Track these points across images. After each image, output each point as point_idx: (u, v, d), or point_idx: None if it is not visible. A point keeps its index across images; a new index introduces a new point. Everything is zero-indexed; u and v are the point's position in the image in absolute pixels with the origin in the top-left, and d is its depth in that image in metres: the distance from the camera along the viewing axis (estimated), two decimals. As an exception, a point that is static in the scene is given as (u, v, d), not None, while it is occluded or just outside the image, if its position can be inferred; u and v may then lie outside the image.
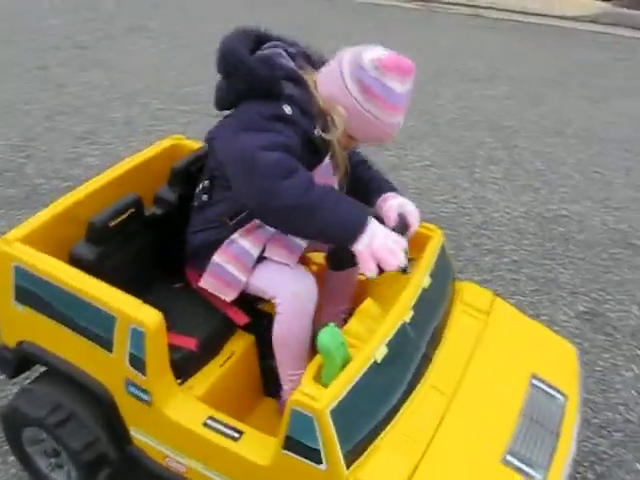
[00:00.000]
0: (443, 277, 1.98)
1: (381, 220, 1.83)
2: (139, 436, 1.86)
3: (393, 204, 1.92)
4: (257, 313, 2.04)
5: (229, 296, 1.90)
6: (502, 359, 1.90)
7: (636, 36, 6.40)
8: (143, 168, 2.17)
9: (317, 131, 1.79)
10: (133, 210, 1.94)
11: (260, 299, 2.01)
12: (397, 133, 1.85)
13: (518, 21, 6.50)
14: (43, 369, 2.05)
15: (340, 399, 1.54)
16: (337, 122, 1.79)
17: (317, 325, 1.81)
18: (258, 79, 1.73)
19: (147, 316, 1.67)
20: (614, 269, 3.30)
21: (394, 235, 1.70)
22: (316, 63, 1.89)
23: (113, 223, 1.87)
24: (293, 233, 1.82)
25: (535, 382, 1.87)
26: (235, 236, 1.87)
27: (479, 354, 1.88)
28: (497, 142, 4.34)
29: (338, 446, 1.53)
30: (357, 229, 1.66)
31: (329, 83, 1.79)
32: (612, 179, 4.06)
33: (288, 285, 1.83)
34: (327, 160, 1.88)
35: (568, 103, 4.97)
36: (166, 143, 2.27)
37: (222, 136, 1.83)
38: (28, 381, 2.14)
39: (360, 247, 1.66)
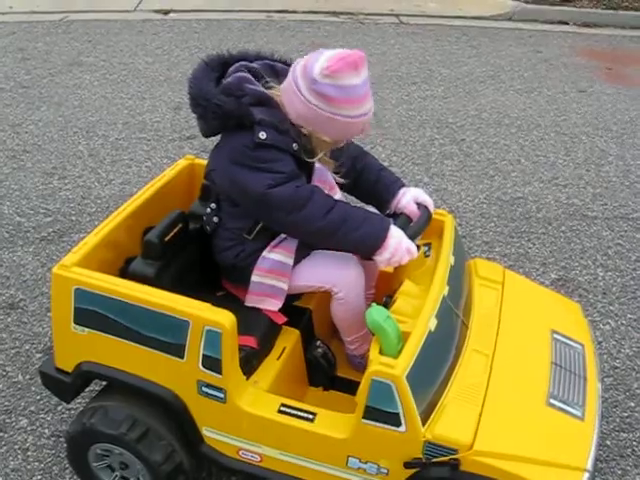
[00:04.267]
0: (460, 255, 2.20)
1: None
2: (211, 434, 1.99)
3: (409, 199, 2.11)
4: (295, 310, 2.21)
5: (275, 306, 2.06)
6: (524, 320, 2.15)
7: (547, 29, 6.89)
8: (167, 188, 2.31)
9: (295, 145, 1.92)
10: (181, 225, 2.08)
11: (296, 298, 2.20)
12: (353, 139, 2.03)
13: (439, 24, 6.86)
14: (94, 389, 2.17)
15: (411, 365, 1.73)
16: (314, 141, 1.93)
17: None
18: (227, 114, 1.88)
19: (222, 317, 1.82)
20: (574, 239, 3.65)
21: (406, 241, 1.92)
22: (280, 72, 2.00)
23: (167, 239, 2.01)
24: (321, 248, 2.03)
25: (555, 336, 2.12)
26: (265, 253, 2.03)
27: (504, 317, 2.11)
28: (446, 138, 4.64)
29: (415, 407, 1.72)
30: (377, 245, 1.90)
31: (291, 102, 1.90)
32: (555, 160, 4.44)
33: (343, 275, 2.03)
34: (317, 164, 2.03)
35: (503, 96, 5.34)
36: (183, 163, 2.41)
37: (219, 168, 2.00)
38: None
39: (380, 259, 1.92)
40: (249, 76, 1.95)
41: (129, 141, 4.45)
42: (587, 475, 1.78)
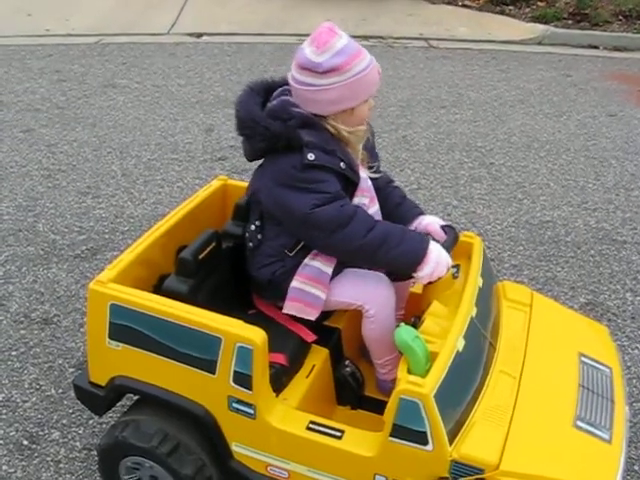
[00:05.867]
0: (489, 277, 2.22)
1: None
2: (240, 450, 2.02)
3: (430, 221, 2.18)
4: (325, 329, 2.25)
5: (312, 315, 2.09)
6: (551, 342, 2.16)
7: (577, 53, 6.92)
8: (201, 208, 2.37)
9: (342, 164, 1.99)
10: (214, 244, 2.13)
11: (326, 316, 2.23)
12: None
13: (468, 48, 6.92)
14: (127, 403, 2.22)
15: (439, 384, 1.76)
16: (348, 119, 1.99)
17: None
18: (275, 136, 1.94)
19: (254, 333, 1.86)
20: (603, 263, 3.64)
21: (445, 255, 1.99)
22: None
23: (201, 257, 2.06)
24: (363, 266, 2.07)
25: (583, 359, 2.12)
26: (307, 260, 2.07)
27: (531, 340, 2.12)
28: (474, 161, 4.68)
29: (442, 426, 1.74)
30: (418, 260, 1.96)
31: (314, 102, 1.96)
32: (584, 184, 4.44)
33: (375, 293, 2.07)
34: (363, 175, 2.09)
35: (532, 119, 5.37)
36: (217, 184, 2.47)
37: (264, 188, 2.06)
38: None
39: (421, 275, 1.97)
40: (293, 100, 2.02)
41: (161, 162, 4.55)
42: (614, 498, 1.78)
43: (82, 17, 7.36)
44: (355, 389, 2.23)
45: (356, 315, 2.19)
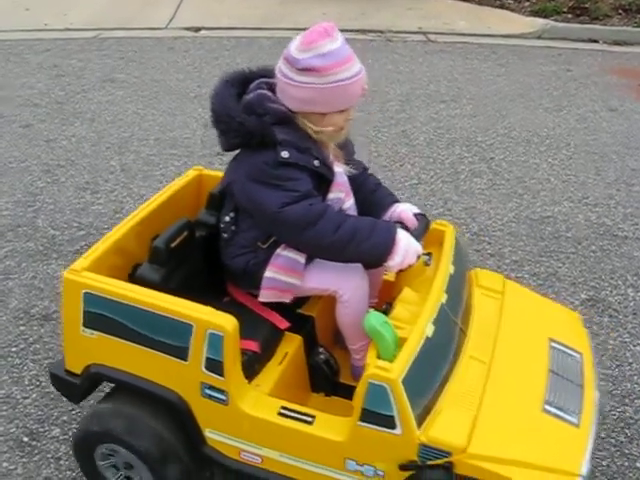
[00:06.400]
0: (461, 264, 2.24)
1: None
2: (214, 436, 2.04)
3: (404, 208, 2.20)
4: (299, 317, 2.26)
5: (287, 298, 2.12)
6: (522, 328, 2.18)
7: (577, 47, 6.90)
8: (176, 197, 2.39)
9: (317, 162, 2.00)
10: (187, 233, 2.15)
11: (299, 304, 2.25)
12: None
13: (467, 42, 6.89)
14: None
15: (407, 369, 1.77)
16: (317, 121, 1.97)
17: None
18: (250, 132, 1.95)
19: (225, 320, 1.88)
20: (604, 259, 3.63)
21: (414, 243, 2.00)
22: None
23: (173, 245, 2.08)
24: (334, 261, 2.07)
25: (553, 344, 2.14)
26: (279, 250, 2.09)
27: (503, 326, 2.14)
28: (474, 156, 4.67)
29: (410, 410, 1.75)
30: (387, 251, 1.97)
31: (287, 92, 1.97)
32: (585, 179, 4.44)
33: (348, 279, 2.08)
34: (339, 170, 2.10)
35: (532, 114, 5.36)
36: (192, 174, 2.48)
37: (237, 181, 2.07)
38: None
39: (391, 264, 1.98)
40: (269, 94, 2.02)
41: (160, 157, 4.56)
42: (580, 480, 1.78)
43: (80, 12, 7.35)
44: (329, 376, 2.24)
45: (329, 303, 2.21)
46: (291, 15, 7.25)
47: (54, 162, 4.49)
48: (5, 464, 2.43)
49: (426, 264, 2.15)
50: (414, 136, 4.90)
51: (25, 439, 2.53)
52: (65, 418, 2.60)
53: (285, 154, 1.93)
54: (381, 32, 7.00)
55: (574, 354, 2.15)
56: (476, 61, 6.44)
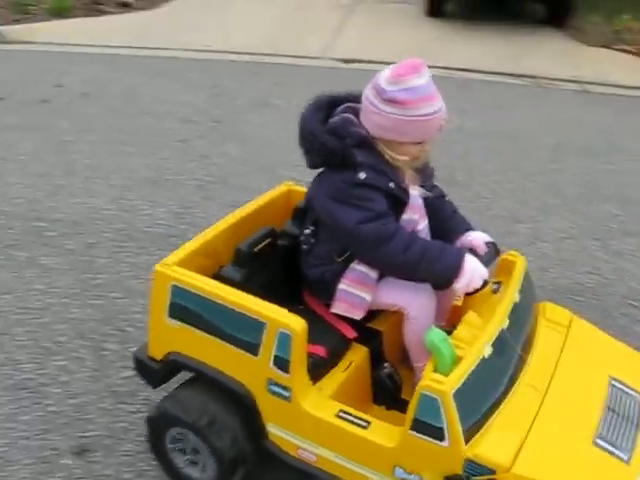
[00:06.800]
0: (529, 295, 2.30)
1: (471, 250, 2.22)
2: (275, 431, 2.18)
3: (476, 236, 2.30)
4: (368, 330, 2.38)
5: (357, 315, 2.24)
6: (583, 363, 2.21)
7: None
8: (265, 208, 2.57)
9: (392, 184, 2.13)
10: (270, 240, 2.32)
11: (370, 318, 2.37)
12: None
13: (623, 95, 6.68)
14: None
15: (459, 384, 1.86)
16: (394, 148, 2.11)
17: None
18: (331, 152, 2.11)
19: (295, 321, 2.03)
20: None
21: (480, 268, 2.13)
22: None
23: (256, 249, 2.25)
24: (404, 279, 2.20)
25: (614, 382, 2.17)
26: (354, 264, 2.22)
27: (564, 359, 2.19)
28: (628, 215, 4.47)
29: (459, 424, 1.85)
30: (455, 273, 2.09)
31: (370, 119, 2.11)
32: None
33: (416, 297, 2.21)
34: (414, 193, 2.22)
35: (697, 174, 5.04)
36: (282, 188, 2.66)
37: (318, 197, 2.24)
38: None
39: (457, 286, 2.11)
40: (353, 117, 2.17)
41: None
42: (623, 516, 1.83)
43: (242, 36, 7.74)
44: (392, 390, 2.34)
45: (399, 320, 2.31)
46: (445, 53, 7.24)
47: (207, 178, 4.62)
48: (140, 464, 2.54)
49: (494, 292, 2.25)
50: (564, 188, 4.74)
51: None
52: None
53: (362, 175, 2.08)
54: (533, 77, 6.88)
55: (634, 394, 2.16)
56: (633, 115, 6.16)
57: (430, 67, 2.10)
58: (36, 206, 4.22)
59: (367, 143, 2.12)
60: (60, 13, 8.37)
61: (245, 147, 5.12)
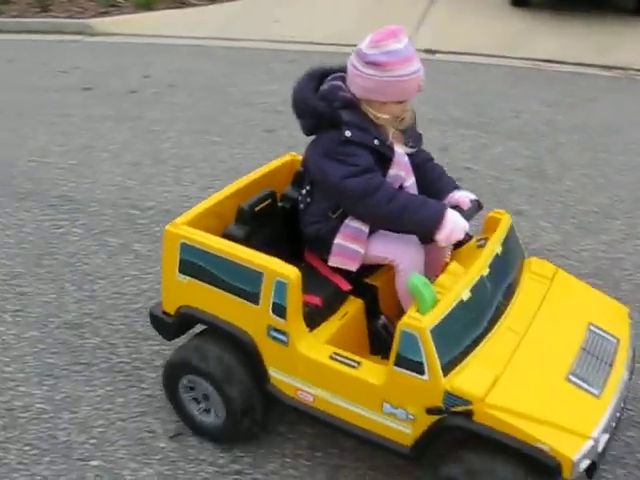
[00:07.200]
0: (513, 249, 2.46)
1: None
2: (276, 375, 2.38)
3: (462, 194, 2.47)
4: (365, 286, 2.56)
5: (353, 267, 2.43)
6: (564, 311, 2.37)
7: None
8: (270, 174, 2.76)
9: (376, 141, 2.32)
10: (270, 201, 2.53)
11: (367, 273, 2.55)
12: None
13: None
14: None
15: (437, 322, 2.04)
16: (377, 108, 2.30)
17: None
18: (320, 114, 2.32)
19: (289, 270, 2.22)
20: None
21: (461, 221, 2.28)
22: None
23: (257, 209, 2.46)
24: (390, 230, 2.39)
25: (592, 328, 2.32)
26: (347, 221, 2.41)
27: (544, 307, 2.34)
28: None
29: (437, 358, 2.02)
30: (435, 226, 2.26)
31: (354, 82, 2.30)
32: None
33: (406, 250, 2.39)
34: (399, 151, 2.39)
35: None
36: (287, 158, 2.85)
37: (311, 158, 2.44)
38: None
39: (439, 237, 2.27)
40: (341, 84, 2.37)
41: None
42: (590, 442, 1.98)
43: (325, 27, 7.80)
44: (387, 340, 2.49)
45: (394, 276, 2.48)
46: (527, 45, 7.10)
47: (294, 168, 4.57)
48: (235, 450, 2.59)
49: (480, 247, 2.41)
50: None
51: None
52: (292, 419, 2.66)
53: (348, 133, 2.27)
54: (623, 69, 6.63)
55: (611, 338, 2.31)
56: None
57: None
58: (128, 194, 4.38)
59: (352, 105, 2.31)
60: (146, 5, 8.59)
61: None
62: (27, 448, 2.62)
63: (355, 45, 2.35)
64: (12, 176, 4.67)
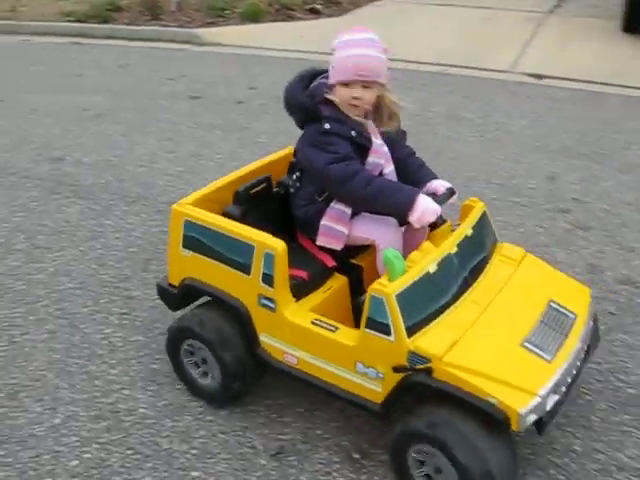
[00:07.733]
0: (485, 234, 2.70)
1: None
2: (265, 339, 2.64)
3: (438, 184, 2.72)
4: (350, 265, 2.82)
5: (338, 246, 2.70)
6: (527, 288, 2.60)
7: None
8: (269, 165, 3.05)
9: (353, 132, 2.61)
10: (265, 185, 2.83)
11: (354, 255, 2.82)
12: None
13: None
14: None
15: (402, 289, 2.29)
16: (333, 92, 2.59)
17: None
18: (306, 109, 2.64)
19: (276, 243, 2.50)
20: None
21: (433, 205, 2.52)
22: None
23: (252, 191, 2.76)
24: (368, 212, 2.67)
25: (552, 304, 2.54)
26: (332, 204, 2.68)
27: (510, 285, 2.58)
28: None
29: (401, 321, 2.27)
30: (408, 208, 2.51)
31: (330, 72, 2.62)
32: None
33: (386, 231, 2.65)
34: (378, 141, 2.67)
35: None
36: (287, 150, 3.13)
37: (300, 148, 2.76)
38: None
39: (411, 219, 2.52)
40: (326, 81, 2.67)
41: (504, 202, 4.47)
42: (537, 399, 2.20)
43: (428, 46, 7.78)
44: (368, 315, 2.77)
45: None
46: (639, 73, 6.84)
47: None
48: (334, 474, 2.57)
49: (453, 230, 2.67)
50: None
51: (356, 456, 2.65)
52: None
53: (327, 125, 2.58)
54: None
55: (569, 314, 2.53)
56: None
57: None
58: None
59: (331, 101, 2.62)
60: (252, 17, 8.97)
61: (437, 161, 3.96)
62: (129, 452, 2.67)
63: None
64: (122, 179, 4.86)
